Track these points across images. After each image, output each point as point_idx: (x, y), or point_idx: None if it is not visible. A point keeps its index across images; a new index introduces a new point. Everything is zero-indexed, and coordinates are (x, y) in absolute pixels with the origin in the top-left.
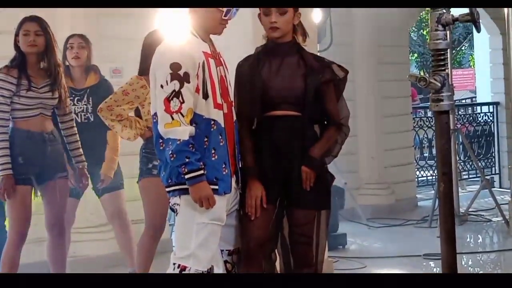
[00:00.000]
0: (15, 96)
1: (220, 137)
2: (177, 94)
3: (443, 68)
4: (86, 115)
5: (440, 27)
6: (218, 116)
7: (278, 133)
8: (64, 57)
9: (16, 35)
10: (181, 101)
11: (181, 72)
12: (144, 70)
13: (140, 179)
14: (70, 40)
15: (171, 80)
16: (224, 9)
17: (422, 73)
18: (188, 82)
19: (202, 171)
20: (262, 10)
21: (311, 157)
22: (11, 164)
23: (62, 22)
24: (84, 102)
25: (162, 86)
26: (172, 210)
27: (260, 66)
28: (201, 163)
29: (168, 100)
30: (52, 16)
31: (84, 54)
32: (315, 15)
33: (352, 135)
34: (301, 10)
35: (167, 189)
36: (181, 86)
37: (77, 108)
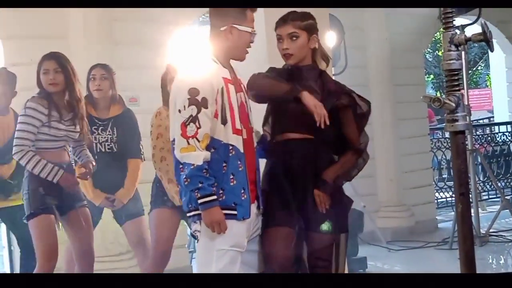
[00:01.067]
0: (44, 127)
1: (239, 162)
2: (194, 119)
3: (457, 88)
4: (110, 145)
5: (453, 47)
6: (237, 141)
7: (292, 156)
8: (87, 87)
9: (38, 72)
10: (198, 126)
11: (198, 98)
12: (166, 101)
13: (152, 209)
14: (92, 71)
15: (189, 105)
16: (250, 30)
17: (438, 94)
18: (206, 107)
19: (214, 196)
20: (276, 37)
21: (323, 180)
22: (34, 196)
23: (77, 52)
24: (108, 132)
25: (180, 111)
26: (194, 237)
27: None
28: (214, 188)
29: (185, 125)
30: (67, 46)
31: (107, 85)
32: (329, 39)
33: (370, 157)
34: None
35: (188, 214)
36: (198, 111)
37: (101, 137)
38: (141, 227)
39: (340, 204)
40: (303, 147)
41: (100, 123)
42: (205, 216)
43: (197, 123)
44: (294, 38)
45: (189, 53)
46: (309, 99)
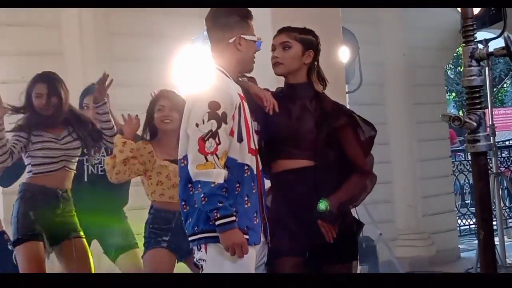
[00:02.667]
0: (37, 150)
1: (252, 184)
2: (213, 134)
3: (478, 106)
4: (103, 167)
5: (474, 63)
6: (251, 161)
7: (293, 190)
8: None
9: (28, 93)
10: (218, 142)
11: (219, 112)
12: (146, 134)
13: (146, 251)
14: (85, 99)
15: (209, 119)
16: (257, 41)
17: (461, 113)
18: (226, 123)
19: (234, 217)
20: (271, 47)
21: (330, 212)
22: (23, 221)
23: (74, 69)
24: (102, 153)
25: (197, 125)
26: (196, 266)
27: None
28: (234, 209)
29: (203, 140)
30: (62, 62)
31: (105, 94)
32: (343, 54)
33: (387, 181)
34: (326, 49)
35: (191, 238)
36: (219, 126)
37: (94, 159)
38: (137, 262)
39: (347, 231)
40: (303, 178)
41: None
42: (226, 238)
43: (217, 139)
44: (287, 48)
45: (200, 67)
46: (256, 87)
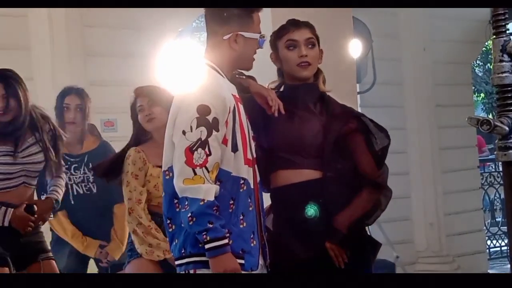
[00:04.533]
0: None
1: (249, 200)
2: (203, 144)
3: (511, 108)
4: (88, 186)
5: (505, 57)
6: (248, 174)
7: (297, 207)
8: (57, 115)
9: None
10: (207, 152)
11: (209, 118)
12: (139, 138)
13: (129, 260)
14: (66, 98)
15: (197, 126)
16: (257, 36)
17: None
18: (217, 130)
19: (227, 240)
20: (286, 43)
21: (335, 229)
22: None
23: (44, 65)
24: (83, 170)
25: (184, 133)
26: None
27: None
28: (226, 231)
29: (191, 150)
30: (30, 58)
31: (82, 117)
32: (353, 48)
33: (405, 196)
34: (335, 43)
35: (178, 262)
36: (209, 134)
37: (76, 178)
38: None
39: (362, 253)
40: (309, 194)
41: (72, 160)
42: (216, 264)
43: (206, 149)
44: (311, 46)
45: (188, 64)
46: (258, 85)
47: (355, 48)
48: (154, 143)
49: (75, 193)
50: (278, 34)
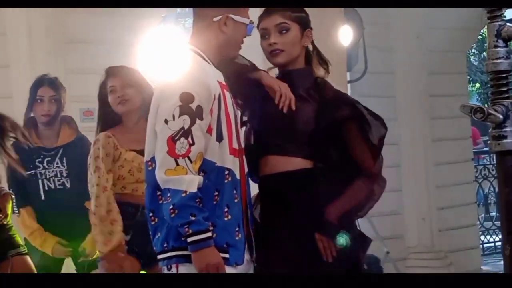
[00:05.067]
0: None
1: (234, 191)
2: (185, 133)
3: (506, 95)
4: (61, 180)
5: (500, 43)
6: (234, 164)
7: (286, 197)
8: (30, 108)
9: None
10: (191, 142)
11: (193, 106)
12: (107, 121)
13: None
14: (39, 90)
15: (180, 114)
16: (248, 24)
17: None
18: (201, 119)
19: (210, 233)
20: (260, 32)
21: (326, 220)
22: None
23: (17, 53)
24: (57, 164)
25: (166, 122)
26: None
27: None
28: (210, 223)
29: (173, 139)
30: (5, 44)
31: (56, 108)
32: (344, 36)
33: (396, 189)
34: (324, 29)
35: (160, 256)
36: (192, 123)
37: (48, 172)
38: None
39: (352, 248)
40: (300, 183)
41: (45, 153)
42: (199, 258)
43: (189, 139)
44: (284, 31)
45: (171, 50)
46: (270, 78)
47: (345, 35)
48: (123, 127)
49: (46, 188)
50: (257, 24)
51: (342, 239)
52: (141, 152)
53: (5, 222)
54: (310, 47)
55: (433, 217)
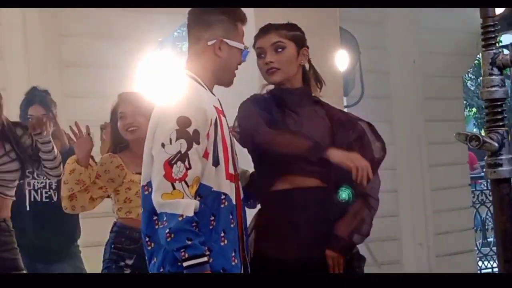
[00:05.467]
0: None
1: (230, 216)
2: (182, 157)
3: (501, 123)
4: (48, 193)
5: (495, 71)
6: (230, 189)
7: (300, 213)
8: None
9: None
10: (187, 166)
11: (190, 130)
12: (116, 145)
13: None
14: (30, 109)
15: (177, 138)
16: (243, 49)
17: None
18: (198, 143)
19: (206, 258)
20: (256, 51)
21: (337, 236)
22: None
23: (16, 74)
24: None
25: (163, 145)
26: None
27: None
28: (206, 248)
29: (170, 163)
30: (3, 67)
31: (47, 124)
32: (340, 60)
33: (393, 214)
34: (321, 53)
35: None
36: (189, 147)
37: (37, 183)
38: None
39: (349, 267)
40: (314, 200)
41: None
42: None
43: (186, 163)
44: (280, 50)
45: (168, 75)
46: (340, 155)
47: (342, 59)
48: (132, 153)
49: (32, 199)
50: (253, 43)
51: (345, 194)
52: None
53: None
54: (307, 66)
55: (430, 242)
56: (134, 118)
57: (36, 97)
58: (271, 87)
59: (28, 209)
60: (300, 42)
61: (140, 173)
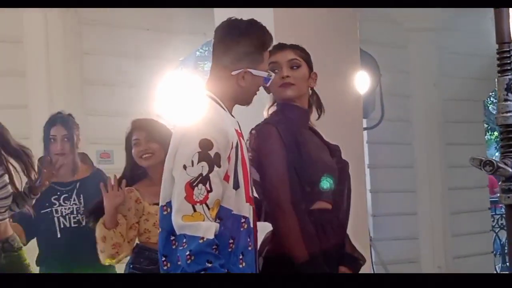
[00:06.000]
0: None
1: (248, 239)
2: (204, 179)
3: None
4: (77, 218)
5: (510, 96)
6: (249, 212)
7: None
8: (46, 148)
9: None
10: (208, 189)
11: (211, 152)
12: (133, 172)
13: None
14: (52, 130)
15: (199, 161)
16: (265, 75)
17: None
18: (219, 166)
19: None
20: (269, 66)
21: (354, 257)
22: None
23: (39, 93)
24: (74, 201)
25: (185, 167)
26: None
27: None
28: (226, 271)
29: (191, 186)
30: (25, 84)
31: (69, 147)
32: (360, 82)
33: (413, 237)
34: (341, 74)
35: None
36: (210, 170)
37: (64, 209)
38: None
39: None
40: (333, 219)
41: (61, 189)
42: None
43: (207, 185)
44: (295, 67)
45: (190, 95)
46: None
47: (362, 81)
48: (149, 180)
49: (62, 226)
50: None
51: (326, 182)
52: None
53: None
54: (309, 92)
55: (449, 265)
56: (148, 145)
57: (59, 118)
58: (273, 108)
59: (59, 236)
60: (311, 65)
61: (156, 204)
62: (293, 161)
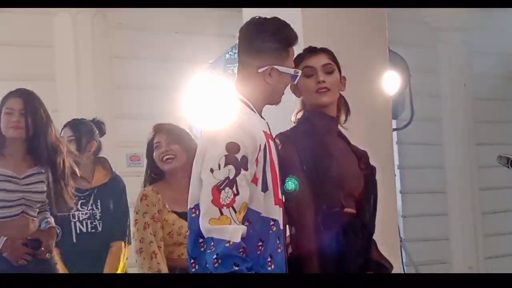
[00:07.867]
0: None
1: (278, 241)
2: (230, 183)
3: None
4: (94, 223)
5: None
6: (279, 215)
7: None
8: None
9: None
10: (235, 192)
11: (238, 156)
12: (152, 177)
13: None
14: (62, 132)
15: (226, 164)
16: (292, 71)
17: None
18: (246, 169)
19: None
20: (304, 70)
21: (381, 265)
22: None
23: (69, 97)
24: (91, 206)
25: (212, 171)
26: None
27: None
28: (253, 273)
29: (218, 189)
30: (55, 89)
31: (93, 146)
32: (390, 83)
33: (443, 238)
34: (370, 75)
35: None
36: (237, 173)
37: (82, 214)
38: None
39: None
40: (357, 224)
41: (79, 195)
42: None
43: (234, 189)
44: (330, 72)
45: (219, 98)
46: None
47: (392, 82)
48: (167, 184)
49: (78, 231)
50: (295, 62)
51: (291, 184)
52: (182, 215)
53: (48, 257)
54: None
55: (480, 266)
56: (169, 147)
57: (75, 121)
58: (301, 114)
59: (75, 241)
60: (340, 69)
61: (174, 212)
62: (311, 181)
